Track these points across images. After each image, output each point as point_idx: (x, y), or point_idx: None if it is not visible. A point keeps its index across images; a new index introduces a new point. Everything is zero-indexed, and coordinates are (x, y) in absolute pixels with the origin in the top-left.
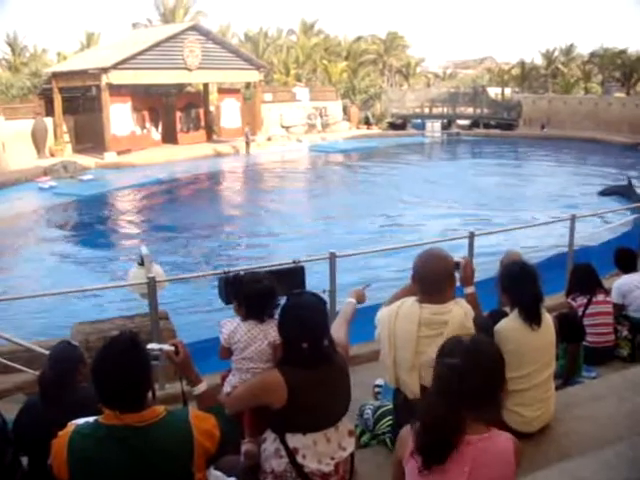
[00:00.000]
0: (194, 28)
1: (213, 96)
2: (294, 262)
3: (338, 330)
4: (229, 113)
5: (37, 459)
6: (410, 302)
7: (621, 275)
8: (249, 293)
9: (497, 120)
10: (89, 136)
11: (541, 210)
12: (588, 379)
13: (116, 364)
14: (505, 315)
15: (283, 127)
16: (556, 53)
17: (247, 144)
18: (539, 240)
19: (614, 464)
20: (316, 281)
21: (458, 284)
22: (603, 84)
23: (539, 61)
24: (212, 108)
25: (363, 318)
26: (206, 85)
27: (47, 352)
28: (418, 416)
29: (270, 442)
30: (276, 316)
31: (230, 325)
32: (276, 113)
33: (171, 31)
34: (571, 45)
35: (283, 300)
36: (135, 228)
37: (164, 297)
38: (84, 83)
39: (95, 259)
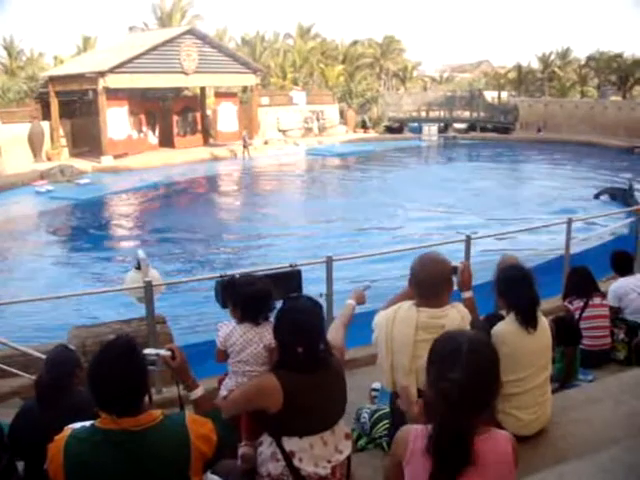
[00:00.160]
0: (191, 32)
1: (210, 100)
2: (291, 266)
3: (335, 332)
4: (226, 117)
5: (33, 463)
6: (407, 306)
7: (617, 278)
8: (244, 296)
9: (494, 124)
10: (86, 140)
11: (537, 213)
12: (585, 382)
13: (113, 368)
14: (501, 319)
15: (280, 131)
16: (552, 57)
17: (245, 148)
18: (535, 243)
19: (610, 468)
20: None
21: (455, 288)
22: (599, 88)
23: (535, 65)
24: (209, 112)
25: (360, 322)
26: (203, 89)
27: (44, 356)
28: (434, 428)
29: (266, 446)
30: (272, 319)
31: (226, 328)
32: (273, 117)
33: (168, 35)
34: (567, 49)
35: (279, 304)
36: (132, 232)
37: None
38: (81, 87)
39: (92, 263)
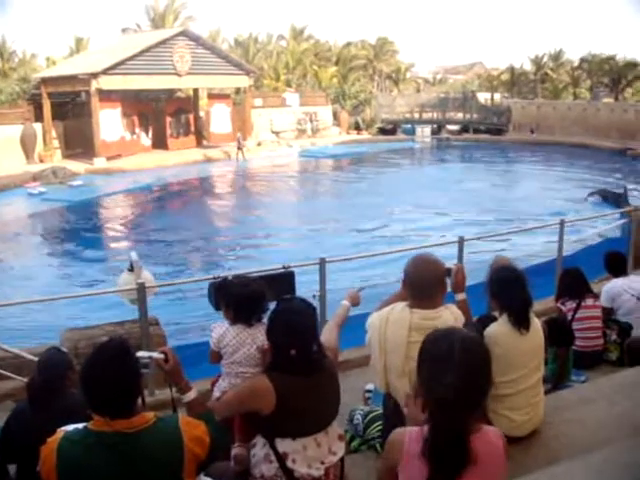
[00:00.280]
0: (184, 33)
1: (203, 101)
2: (284, 267)
3: (329, 333)
4: (219, 118)
5: (26, 466)
6: (400, 307)
7: (611, 279)
8: (237, 297)
9: (487, 125)
10: (78, 142)
11: (530, 215)
12: (577, 383)
13: (106, 370)
14: (494, 320)
15: (273, 132)
16: (545, 59)
17: (240, 149)
18: (528, 245)
19: (603, 468)
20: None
21: (449, 290)
22: (592, 90)
23: (528, 67)
24: (202, 113)
25: (354, 323)
26: (196, 90)
27: (36, 359)
28: (429, 431)
29: (260, 447)
30: (265, 320)
31: (219, 329)
32: (266, 118)
33: (161, 36)
34: (560, 51)
35: (272, 305)
36: (125, 234)
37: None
38: (73, 88)
39: (84, 265)
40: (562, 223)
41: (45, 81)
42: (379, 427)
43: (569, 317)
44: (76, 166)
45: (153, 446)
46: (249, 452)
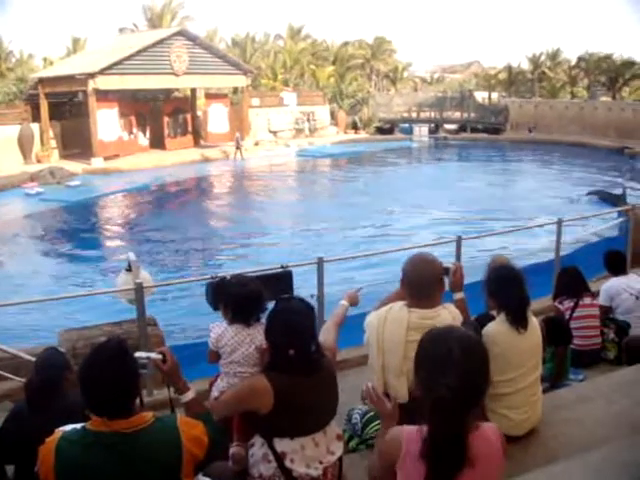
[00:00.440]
0: (181, 33)
1: (200, 101)
2: (282, 267)
3: (327, 333)
4: (216, 118)
5: (23, 467)
6: (399, 306)
7: (610, 278)
8: (235, 297)
9: (484, 124)
10: (76, 142)
11: (527, 214)
12: (575, 382)
13: (104, 370)
14: (492, 319)
15: (271, 132)
16: (542, 58)
17: (238, 149)
18: (526, 244)
19: (601, 467)
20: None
21: (447, 289)
22: (589, 88)
23: (526, 65)
24: (200, 113)
25: (352, 323)
26: (193, 90)
27: (34, 359)
28: (429, 432)
29: (258, 447)
30: (263, 320)
31: (218, 329)
32: (264, 118)
33: (158, 36)
34: (557, 50)
35: (271, 305)
36: (122, 234)
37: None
38: (71, 88)
39: (82, 265)
40: (559, 222)
41: (42, 81)
42: (377, 427)
43: (567, 316)
44: (73, 166)
45: (151, 446)
46: (247, 452)
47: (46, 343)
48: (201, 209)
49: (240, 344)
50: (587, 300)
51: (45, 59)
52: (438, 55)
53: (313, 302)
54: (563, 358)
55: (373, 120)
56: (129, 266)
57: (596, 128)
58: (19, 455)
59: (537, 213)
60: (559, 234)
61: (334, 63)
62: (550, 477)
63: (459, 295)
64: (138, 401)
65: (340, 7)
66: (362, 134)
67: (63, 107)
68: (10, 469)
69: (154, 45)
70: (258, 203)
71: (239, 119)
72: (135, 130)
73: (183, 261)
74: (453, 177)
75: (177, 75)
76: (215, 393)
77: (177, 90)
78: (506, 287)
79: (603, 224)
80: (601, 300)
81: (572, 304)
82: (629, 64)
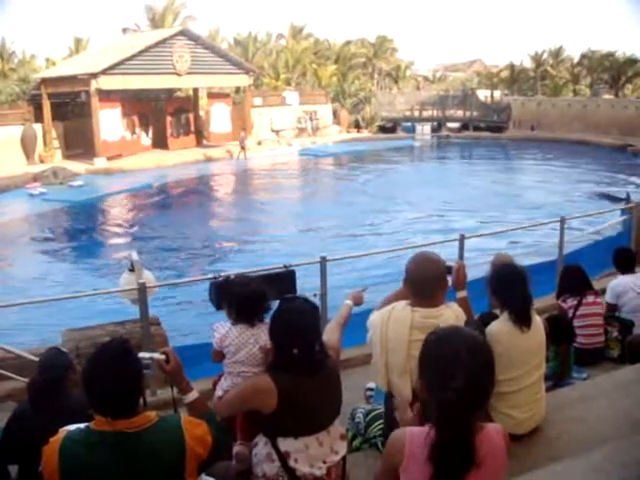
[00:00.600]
0: (183, 33)
1: (203, 101)
2: (285, 266)
3: (331, 333)
4: (219, 118)
5: (27, 466)
6: (402, 306)
7: (617, 275)
8: (238, 297)
9: (487, 122)
10: (79, 142)
11: (530, 212)
12: (579, 380)
13: (108, 370)
14: (495, 317)
15: (273, 131)
16: (545, 55)
17: (243, 148)
18: (529, 242)
19: (603, 467)
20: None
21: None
22: (592, 86)
23: (528, 63)
24: (202, 113)
25: (355, 321)
26: (196, 90)
27: (37, 359)
28: (436, 434)
29: (262, 446)
30: (267, 320)
31: (222, 329)
32: (266, 117)
33: (160, 36)
34: (560, 47)
35: (275, 305)
36: (125, 234)
37: None
38: (73, 89)
39: (85, 265)
40: (562, 220)
41: (45, 81)
42: (381, 426)
43: (570, 314)
44: (76, 166)
45: (155, 445)
46: (251, 451)
47: (50, 343)
48: (204, 209)
49: (244, 344)
50: (590, 298)
51: (48, 59)
52: (440, 53)
53: (316, 301)
54: (566, 356)
55: (375, 119)
56: (132, 266)
57: (599, 126)
58: (23, 455)
59: (540, 211)
60: (562, 232)
61: (336, 62)
62: (553, 476)
63: (462, 294)
64: (142, 401)
65: (342, 6)
66: (364, 133)
67: (66, 107)
68: (14, 469)
69: (156, 45)
70: (261, 203)
71: (241, 119)
72: (138, 130)
73: (186, 261)
74: (455, 175)
75: (179, 75)
76: (219, 392)
77: (179, 90)
78: (509, 286)
79: (606, 222)
80: (607, 298)
81: (575, 302)
82: (632, 62)
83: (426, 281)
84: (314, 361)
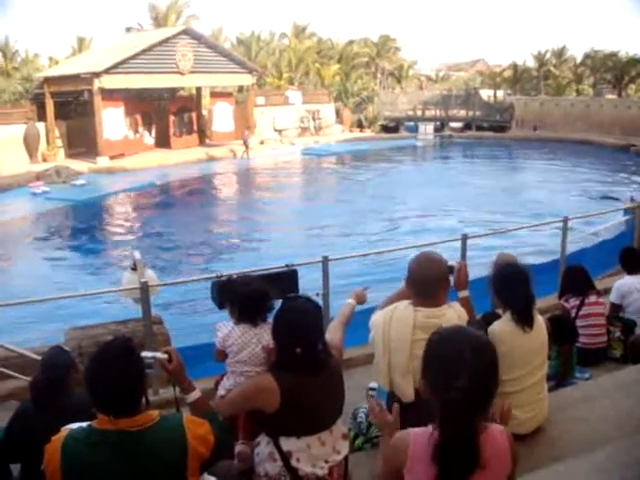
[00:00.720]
0: (186, 32)
1: (206, 100)
2: (287, 266)
3: (334, 332)
4: (221, 117)
5: (30, 465)
6: (404, 305)
7: (623, 275)
8: (241, 296)
9: (490, 122)
10: (82, 141)
11: (533, 212)
12: (581, 380)
13: (110, 369)
14: (498, 317)
15: (276, 130)
16: (548, 55)
17: (246, 147)
18: (532, 242)
19: (606, 466)
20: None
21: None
22: (595, 86)
23: (531, 63)
24: (204, 112)
25: (358, 321)
26: (199, 89)
27: (39, 358)
28: (440, 435)
29: (264, 445)
30: (270, 320)
31: (225, 328)
32: (269, 116)
33: (163, 35)
34: (563, 47)
35: (277, 304)
36: (128, 233)
37: None
38: (76, 88)
39: (88, 264)
40: (565, 220)
41: (48, 80)
42: None
43: (573, 314)
44: (79, 165)
45: (157, 444)
46: (253, 450)
47: (52, 342)
48: (206, 208)
49: (247, 344)
50: (593, 298)
51: (51, 58)
52: (443, 53)
53: (318, 300)
54: (569, 356)
55: (378, 118)
56: (134, 265)
57: (602, 126)
58: (25, 454)
59: (543, 211)
60: (565, 232)
61: (339, 61)
62: (555, 475)
63: (464, 293)
64: (144, 400)
65: (345, 5)
66: (367, 132)
67: (69, 106)
68: (16, 468)
69: (159, 44)
70: (263, 202)
71: (244, 118)
72: (141, 129)
73: (188, 260)
74: (458, 175)
75: (182, 74)
76: (221, 392)
77: (182, 89)
78: (511, 286)
79: (609, 222)
80: (612, 298)
81: (578, 302)
82: (635, 62)
83: (428, 281)
84: (317, 360)
